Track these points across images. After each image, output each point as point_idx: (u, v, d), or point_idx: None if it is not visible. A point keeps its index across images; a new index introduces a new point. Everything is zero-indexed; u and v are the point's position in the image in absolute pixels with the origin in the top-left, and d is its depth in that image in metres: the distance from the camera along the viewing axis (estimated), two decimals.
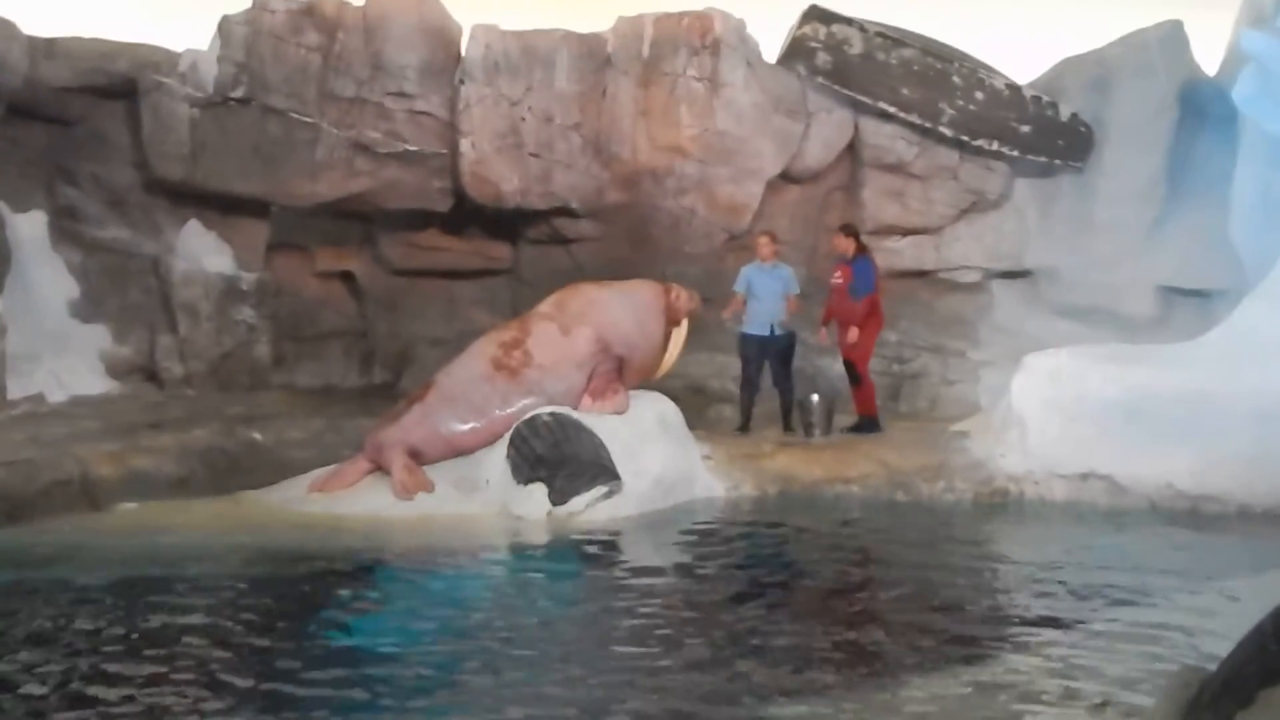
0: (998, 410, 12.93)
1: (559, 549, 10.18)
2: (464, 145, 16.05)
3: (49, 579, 8.59)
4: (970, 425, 13.45)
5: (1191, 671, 3.68)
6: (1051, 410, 12.27)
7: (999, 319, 17.51)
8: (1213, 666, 3.56)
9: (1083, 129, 17.06)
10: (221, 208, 15.78)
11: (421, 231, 16.94)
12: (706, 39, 16.52)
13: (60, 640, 7.11)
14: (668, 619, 7.94)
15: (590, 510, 11.10)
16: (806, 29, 16.66)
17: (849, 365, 14.01)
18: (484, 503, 11.43)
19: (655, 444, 11.95)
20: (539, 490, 11.21)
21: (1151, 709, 3.76)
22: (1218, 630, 7.23)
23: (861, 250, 14.13)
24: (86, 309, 15.23)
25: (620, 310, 12.51)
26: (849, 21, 16.74)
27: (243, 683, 6.41)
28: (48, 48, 14.90)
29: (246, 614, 7.85)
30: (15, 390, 13.66)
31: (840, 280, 14.00)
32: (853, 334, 13.75)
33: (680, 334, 12.88)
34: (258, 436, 12.89)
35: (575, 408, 11.93)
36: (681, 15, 16.62)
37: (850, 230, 14.38)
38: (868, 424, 13.89)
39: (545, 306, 12.66)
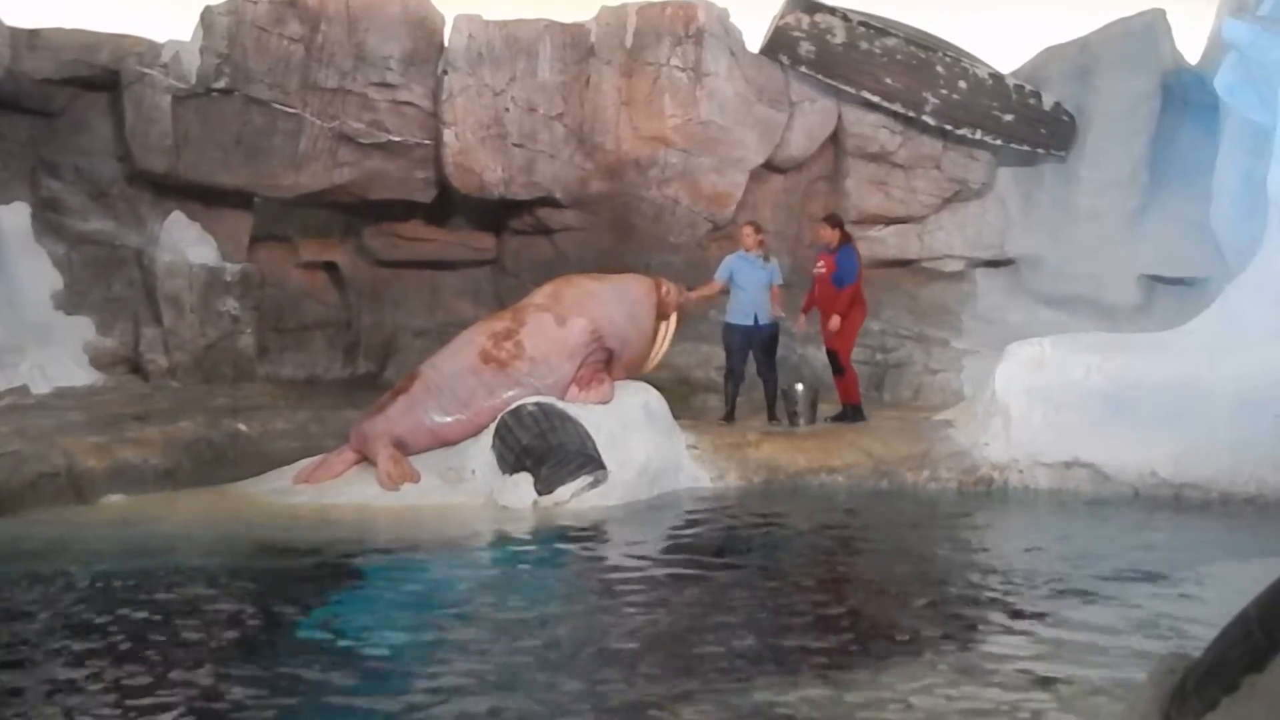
0: (981, 399, 12.96)
1: (545, 539, 10.18)
2: (447, 135, 16.05)
3: (36, 571, 8.57)
4: (954, 414, 13.48)
5: (1176, 658, 3.70)
6: (1035, 399, 12.31)
7: (982, 308, 17.57)
8: (1197, 653, 3.59)
9: (1065, 118, 17.11)
10: (205, 199, 15.76)
11: (405, 222, 16.93)
12: (690, 28, 16.54)
13: (47, 633, 7.11)
14: (654, 607, 7.96)
15: (576, 500, 11.12)
16: (790, 18, 16.67)
17: (832, 355, 14.02)
18: (470, 493, 11.46)
19: (640, 434, 11.98)
20: (524, 480, 11.23)
21: (1135, 696, 3.78)
22: (1202, 617, 7.28)
23: (846, 239, 14.14)
24: (70, 301, 15.20)
25: (615, 303, 12.57)
26: (832, 10, 16.77)
27: (229, 674, 6.41)
28: (30, 39, 14.85)
29: (233, 605, 7.86)
30: None
31: (824, 269, 14.00)
32: (834, 322, 13.75)
33: (669, 329, 12.96)
34: (243, 428, 12.90)
35: (562, 398, 11.96)
36: (664, 5, 16.63)
37: (834, 220, 14.37)
38: (852, 413, 13.92)
39: (539, 297, 12.68)
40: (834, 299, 13.86)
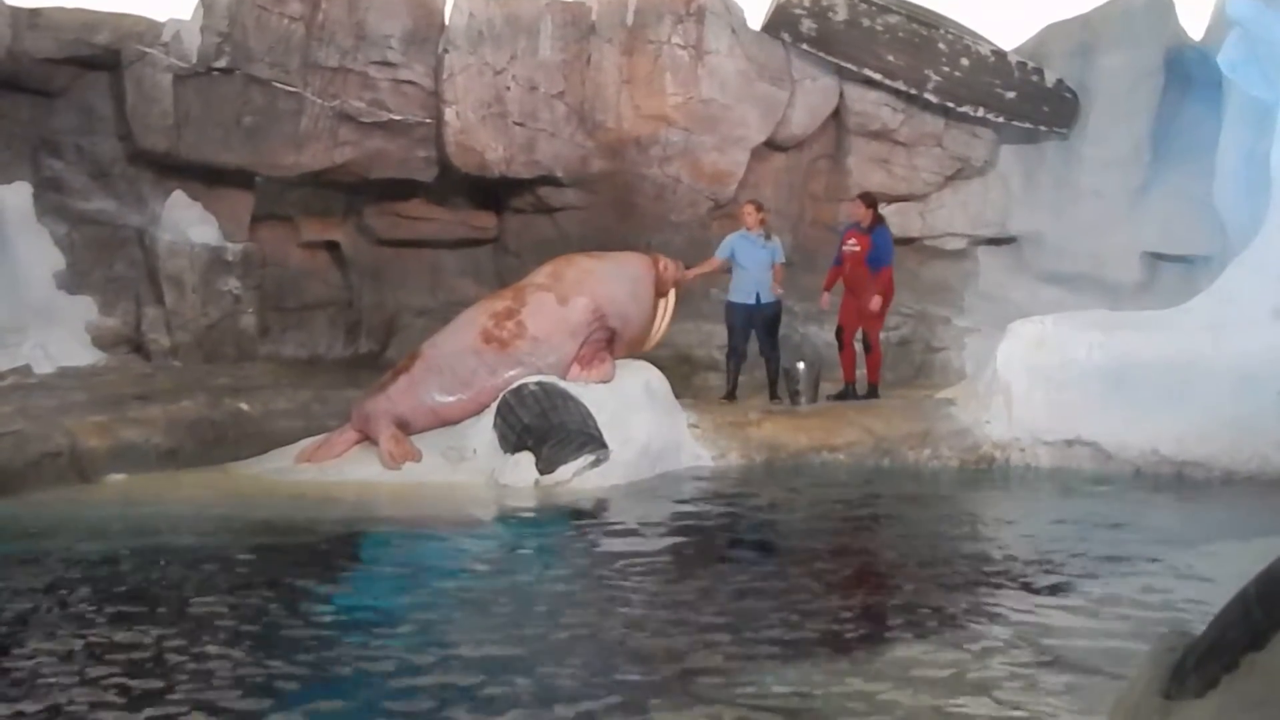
0: (983, 377, 12.97)
1: (546, 518, 10.21)
2: (448, 114, 16.00)
3: (39, 550, 8.59)
4: (956, 392, 13.48)
5: (1176, 636, 3.70)
6: (1037, 377, 12.31)
7: (984, 286, 17.58)
8: (1197, 631, 3.59)
9: (1068, 95, 17.08)
10: (206, 179, 15.71)
11: (406, 201, 16.89)
12: (691, 6, 16.49)
13: (49, 612, 7.12)
14: (656, 586, 7.98)
15: (577, 479, 11.13)
16: None
17: (840, 332, 13.98)
18: (471, 472, 11.47)
19: (642, 413, 11.99)
20: (526, 459, 11.24)
21: (1135, 673, 3.79)
22: (1202, 595, 7.29)
23: (879, 219, 14.05)
24: (72, 281, 15.18)
25: (616, 281, 12.57)
26: None
27: (230, 653, 6.42)
28: (30, 19, 14.79)
29: (235, 584, 7.86)
30: (2, 362, 13.63)
31: (857, 249, 13.85)
32: (875, 303, 13.62)
33: (668, 305, 12.94)
34: (245, 407, 12.89)
35: (564, 377, 11.96)
36: None
37: (869, 199, 14.18)
38: (870, 392, 13.89)
39: (540, 277, 12.68)
40: (867, 278, 13.75)
